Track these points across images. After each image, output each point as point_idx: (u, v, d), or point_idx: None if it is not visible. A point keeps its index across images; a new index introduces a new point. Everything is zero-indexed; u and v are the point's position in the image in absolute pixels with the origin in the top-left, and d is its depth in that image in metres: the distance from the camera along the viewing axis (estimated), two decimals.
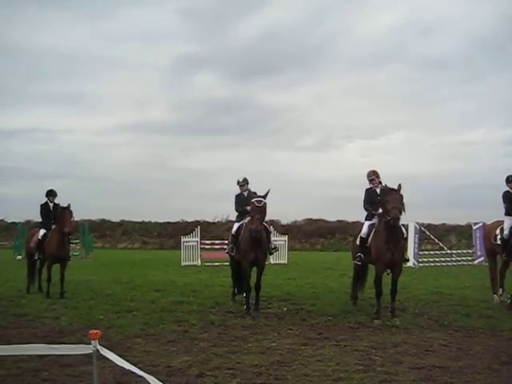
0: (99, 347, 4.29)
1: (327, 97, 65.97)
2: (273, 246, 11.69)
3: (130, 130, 70.89)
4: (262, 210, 10.60)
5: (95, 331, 4.37)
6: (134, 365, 4.62)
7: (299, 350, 7.65)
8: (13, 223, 47.83)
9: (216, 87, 67.18)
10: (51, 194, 13.42)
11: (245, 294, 11.16)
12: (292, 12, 62.84)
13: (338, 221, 47.28)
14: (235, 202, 11.79)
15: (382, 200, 10.06)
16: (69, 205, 12.86)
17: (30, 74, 66.27)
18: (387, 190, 9.92)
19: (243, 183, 11.72)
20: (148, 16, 64.46)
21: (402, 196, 9.79)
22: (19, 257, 28.83)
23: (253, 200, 10.67)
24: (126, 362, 4.33)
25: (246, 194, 11.57)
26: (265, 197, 10.75)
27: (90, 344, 4.49)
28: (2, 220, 52.03)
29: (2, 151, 66.09)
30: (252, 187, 11.64)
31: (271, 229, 13.27)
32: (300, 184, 65.48)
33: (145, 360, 6.97)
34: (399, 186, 9.81)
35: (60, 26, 63.85)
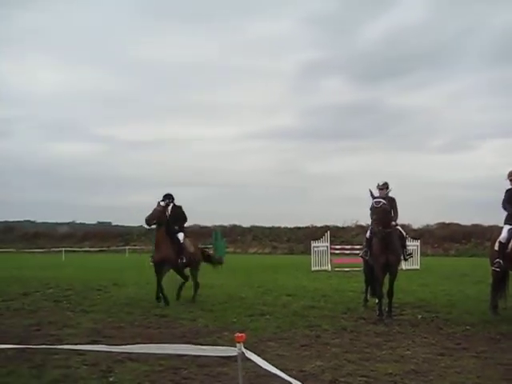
0: (244, 350, 4.37)
1: (459, 95, 63.47)
2: (408, 252, 11.43)
3: (260, 137, 72.86)
4: (381, 211, 10.38)
5: (240, 334, 4.45)
6: None
7: (436, 360, 7.35)
8: (150, 229, 50.82)
9: (343, 91, 67.17)
10: (167, 197, 13.84)
11: (377, 301, 10.93)
12: (419, 11, 61.26)
13: (473, 225, 45.15)
14: None
15: None
16: (166, 203, 13.53)
17: (160, 86, 70.24)
18: None
19: (382, 187, 11.15)
20: (274, 25, 65.93)
21: None
22: None
23: (372, 201, 10.50)
24: (270, 366, 4.37)
25: None
26: (384, 197, 10.54)
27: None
28: (141, 226, 55.46)
29: (137, 161, 70.43)
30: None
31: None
32: (431, 187, 63.51)
33: (278, 364, 6.99)
34: None
35: (190, 40, 67.14)
